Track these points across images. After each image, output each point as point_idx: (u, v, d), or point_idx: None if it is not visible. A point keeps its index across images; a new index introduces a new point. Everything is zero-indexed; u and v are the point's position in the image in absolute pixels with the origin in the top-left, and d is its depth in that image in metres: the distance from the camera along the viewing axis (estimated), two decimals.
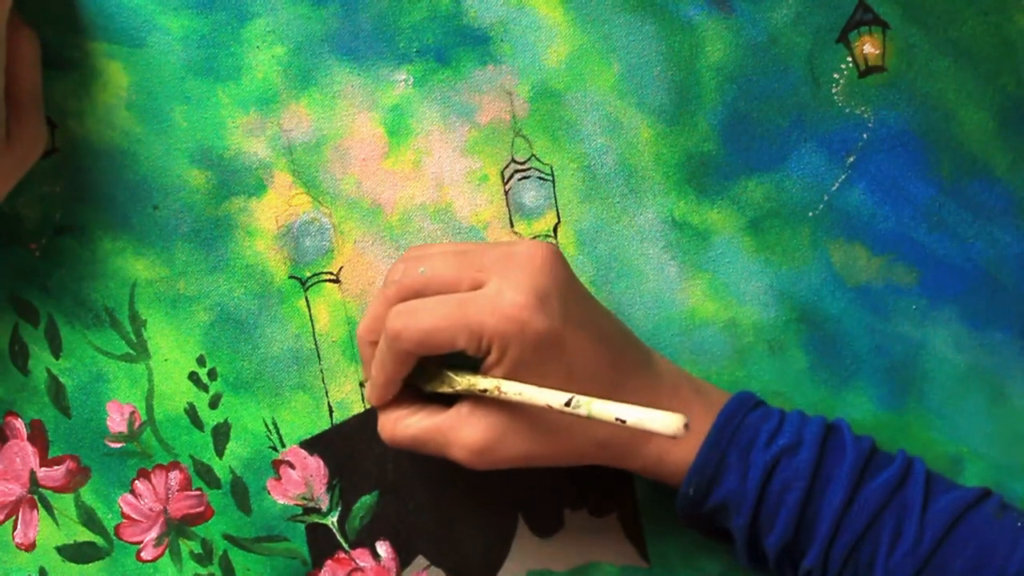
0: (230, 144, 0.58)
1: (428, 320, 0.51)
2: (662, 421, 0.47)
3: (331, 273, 0.59)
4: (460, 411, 0.53)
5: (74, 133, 0.58)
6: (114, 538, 0.59)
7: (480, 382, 0.52)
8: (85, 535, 0.59)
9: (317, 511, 0.59)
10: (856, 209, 0.60)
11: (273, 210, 0.59)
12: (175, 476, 0.59)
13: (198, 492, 0.59)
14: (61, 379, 0.58)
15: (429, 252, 0.54)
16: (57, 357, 0.58)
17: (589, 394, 0.51)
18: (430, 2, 0.59)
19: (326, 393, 0.59)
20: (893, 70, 0.59)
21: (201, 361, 0.59)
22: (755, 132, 0.60)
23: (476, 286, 0.52)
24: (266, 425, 0.59)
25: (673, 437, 0.47)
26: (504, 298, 0.51)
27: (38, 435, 0.58)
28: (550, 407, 0.50)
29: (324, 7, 0.58)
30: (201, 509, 0.59)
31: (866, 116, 0.60)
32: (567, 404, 0.49)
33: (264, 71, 0.58)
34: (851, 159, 0.60)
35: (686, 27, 0.59)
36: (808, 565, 0.53)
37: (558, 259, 0.53)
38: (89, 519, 0.59)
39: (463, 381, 0.53)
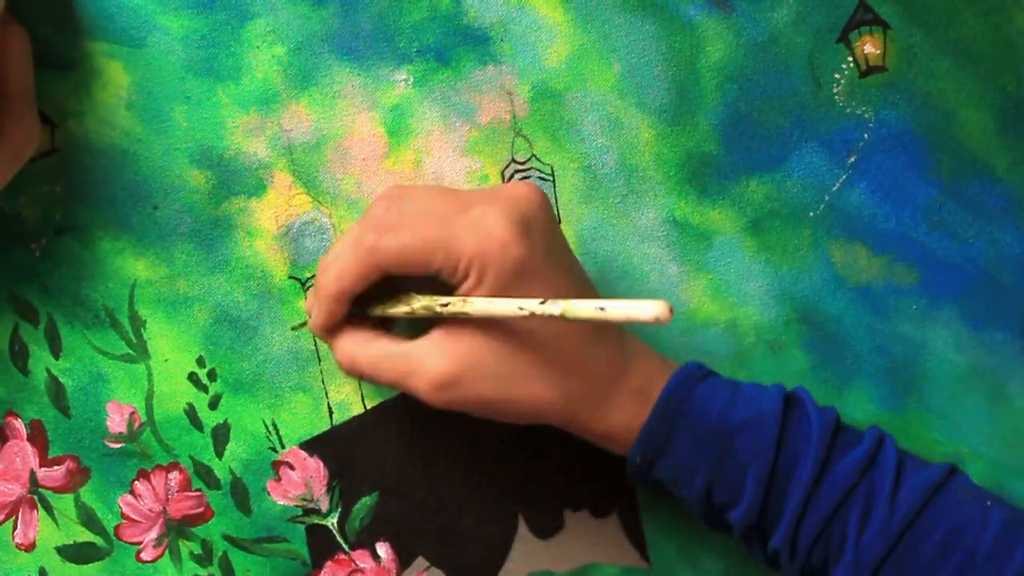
0: (230, 144, 0.58)
1: (408, 236, 0.51)
2: (646, 308, 0.44)
3: None
4: (430, 339, 0.52)
5: (74, 133, 0.58)
6: (114, 538, 0.59)
7: (442, 298, 0.51)
8: (85, 535, 0.59)
9: (317, 512, 0.59)
10: (857, 209, 0.60)
11: (273, 210, 0.59)
12: (175, 477, 0.59)
13: (198, 493, 0.59)
14: (61, 379, 0.58)
15: (412, 189, 0.54)
16: (57, 357, 0.58)
17: (564, 344, 0.50)
18: (430, 2, 0.59)
19: (326, 394, 0.59)
20: (894, 70, 0.59)
21: (201, 362, 0.59)
22: (756, 132, 0.60)
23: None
24: (266, 426, 0.59)
25: (657, 321, 0.44)
26: (487, 221, 0.50)
27: (38, 435, 0.58)
28: (522, 310, 0.48)
29: (324, 7, 0.58)
30: (201, 510, 0.59)
31: (867, 116, 0.60)
32: (542, 303, 0.48)
33: (264, 71, 0.58)
34: (852, 159, 0.60)
35: (686, 27, 0.59)
36: (776, 544, 0.53)
37: (544, 200, 0.53)
38: (89, 519, 0.59)
39: (422, 299, 0.52)
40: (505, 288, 0.50)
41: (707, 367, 0.55)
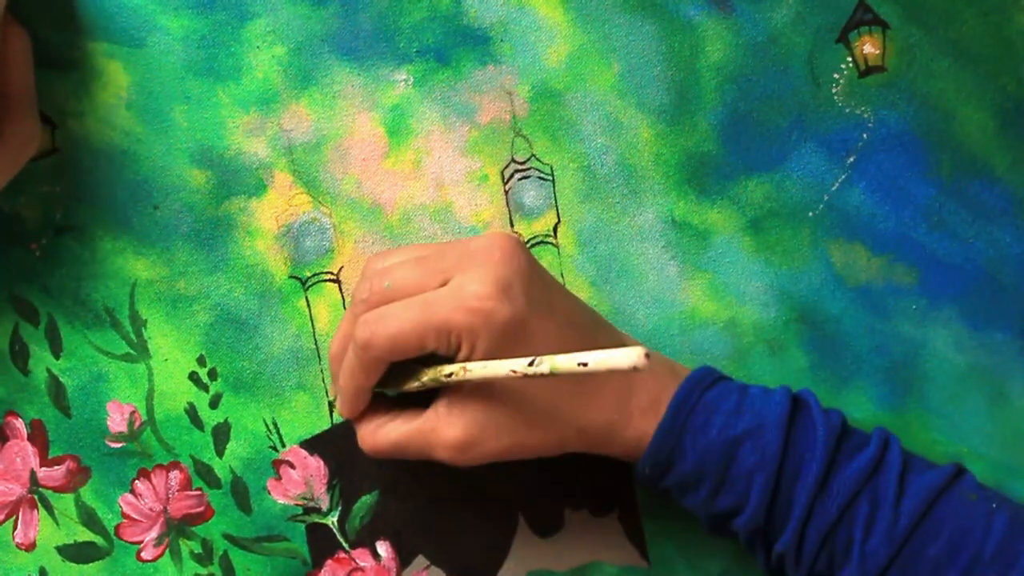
0: (230, 144, 0.58)
1: (395, 325, 0.51)
2: (623, 356, 0.46)
3: (331, 273, 0.59)
4: (438, 410, 0.53)
5: (74, 133, 0.58)
6: (114, 538, 0.59)
7: (445, 368, 0.52)
8: (85, 535, 0.59)
9: (317, 511, 0.59)
10: (856, 209, 0.60)
11: (273, 210, 0.59)
12: (175, 476, 0.59)
13: (198, 492, 0.59)
14: (61, 379, 0.58)
15: (390, 264, 0.54)
16: (57, 357, 0.58)
17: (565, 384, 0.51)
18: (430, 2, 0.59)
19: (326, 393, 0.59)
20: (893, 70, 0.59)
21: (201, 361, 0.59)
22: (755, 132, 0.60)
23: (440, 288, 0.53)
24: (266, 425, 0.59)
25: (635, 369, 0.46)
26: (467, 291, 0.51)
27: (38, 435, 0.58)
28: (514, 372, 0.49)
29: (324, 7, 0.58)
30: (201, 509, 0.59)
31: (866, 116, 0.60)
32: (530, 364, 0.49)
33: (264, 71, 0.58)
34: (851, 159, 0.60)
35: (686, 27, 0.59)
36: (781, 549, 0.53)
37: (517, 248, 0.53)
38: (89, 519, 0.59)
39: (429, 371, 0.53)
40: (498, 351, 0.51)
41: (716, 372, 0.55)
